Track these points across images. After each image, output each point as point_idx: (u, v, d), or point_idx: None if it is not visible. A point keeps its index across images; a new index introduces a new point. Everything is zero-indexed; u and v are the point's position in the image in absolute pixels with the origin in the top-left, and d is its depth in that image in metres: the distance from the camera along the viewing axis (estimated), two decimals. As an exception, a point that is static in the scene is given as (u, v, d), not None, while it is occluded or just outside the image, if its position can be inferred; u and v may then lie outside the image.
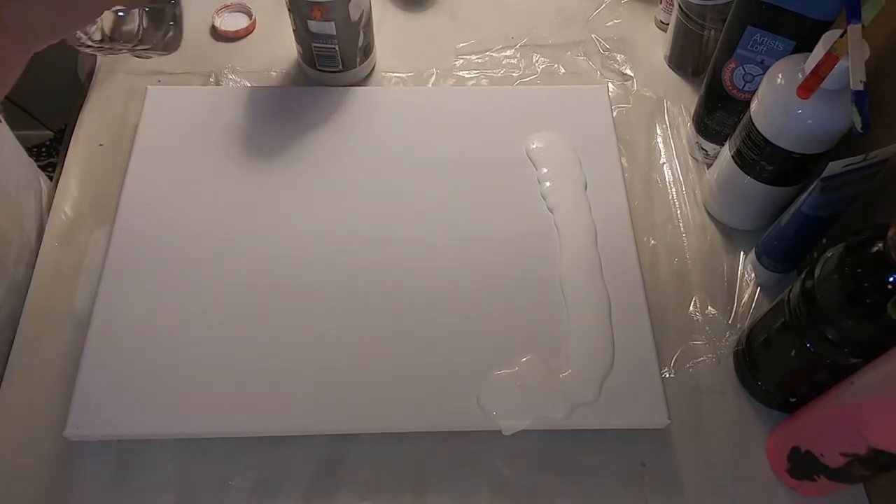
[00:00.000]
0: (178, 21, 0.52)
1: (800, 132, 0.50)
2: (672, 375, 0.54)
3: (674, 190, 0.64)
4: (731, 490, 0.50)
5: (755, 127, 0.53)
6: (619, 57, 0.72)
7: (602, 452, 0.51)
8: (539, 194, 0.60)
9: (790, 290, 0.47)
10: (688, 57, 0.69)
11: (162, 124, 0.63)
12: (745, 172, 0.56)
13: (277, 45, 0.71)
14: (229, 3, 0.73)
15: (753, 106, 0.53)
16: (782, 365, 0.50)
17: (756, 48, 0.55)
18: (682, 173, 0.65)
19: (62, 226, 0.59)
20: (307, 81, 0.68)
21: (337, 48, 0.63)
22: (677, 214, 0.62)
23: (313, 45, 0.63)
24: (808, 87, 0.48)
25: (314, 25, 0.61)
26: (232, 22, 0.72)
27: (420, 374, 0.52)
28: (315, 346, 0.52)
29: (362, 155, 0.62)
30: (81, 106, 0.67)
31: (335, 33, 0.62)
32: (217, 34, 0.72)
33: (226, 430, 0.50)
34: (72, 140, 0.64)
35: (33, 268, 0.57)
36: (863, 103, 0.44)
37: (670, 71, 0.71)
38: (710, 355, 0.55)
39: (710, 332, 0.56)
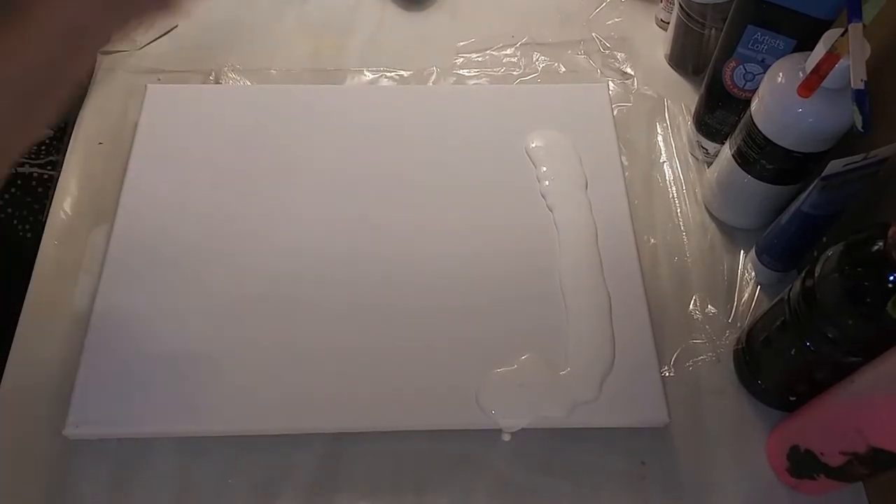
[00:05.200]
0: None
1: (800, 131, 0.50)
2: (672, 374, 0.54)
3: (674, 189, 0.64)
4: (731, 489, 0.50)
5: (755, 126, 0.53)
6: (619, 55, 0.72)
7: (602, 451, 0.51)
8: (539, 193, 0.60)
9: (790, 289, 0.47)
10: (688, 55, 0.69)
11: (162, 123, 0.63)
12: (746, 171, 0.56)
13: (278, 44, 0.71)
14: None
15: (754, 105, 0.53)
16: (782, 364, 0.50)
17: (757, 47, 0.55)
18: (683, 172, 0.64)
19: (62, 225, 0.59)
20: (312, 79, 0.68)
21: None
22: (677, 213, 0.62)
23: None
24: (809, 85, 0.48)
25: None
26: None
27: (420, 372, 0.52)
28: (314, 346, 0.52)
29: (362, 153, 0.62)
30: (81, 104, 0.66)
31: None
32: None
33: (226, 429, 0.50)
34: (71, 138, 0.64)
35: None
36: (863, 102, 0.44)
37: (671, 69, 0.71)
38: (710, 354, 0.55)
39: (710, 330, 0.56)
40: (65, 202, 0.60)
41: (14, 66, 0.37)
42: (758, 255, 0.58)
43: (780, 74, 0.51)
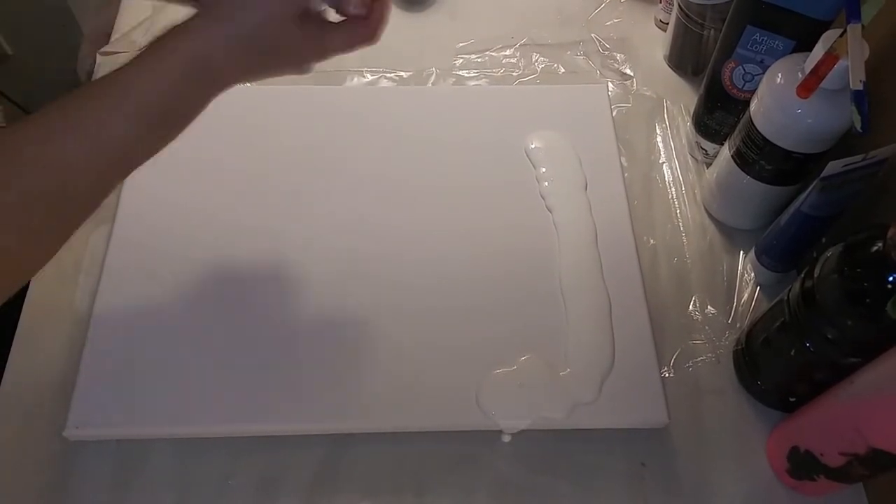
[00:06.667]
0: None
1: (799, 132, 0.50)
2: (672, 375, 0.54)
3: (673, 189, 0.64)
4: (731, 490, 0.50)
5: (755, 126, 0.53)
6: (618, 56, 0.72)
7: (602, 452, 0.51)
8: (538, 194, 0.60)
9: (790, 290, 0.47)
10: (687, 56, 0.69)
11: (161, 124, 0.63)
12: (745, 172, 0.56)
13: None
14: None
15: (753, 105, 0.53)
16: (782, 364, 0.50)
17: (756, 47, 0.55)
18: (682, 173, 0.65)
19: (62, 226, 0.59)
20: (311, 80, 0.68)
21: None
22: (677, 214, 0.62)
23: None
24: (808, 86, 0.48)
25: None
26: None
27: (420, 373, 0.52)
28: (315, 347, 0.52)
29: (361, 154, 0.62)
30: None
31: None
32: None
33: (226, 430, 0.50)
34: (71, 140, 0.64)
35: None
36: (862, 103, 0.44)
37: (670, 70, 0.71)
38: (710, 355, 0.55)
39: (709, 331, 0.56)
40: (65, 203, 0.60)
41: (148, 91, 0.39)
42: (757, 255, 0.58)
43: (779, 75, 0.51)
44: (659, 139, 0.67)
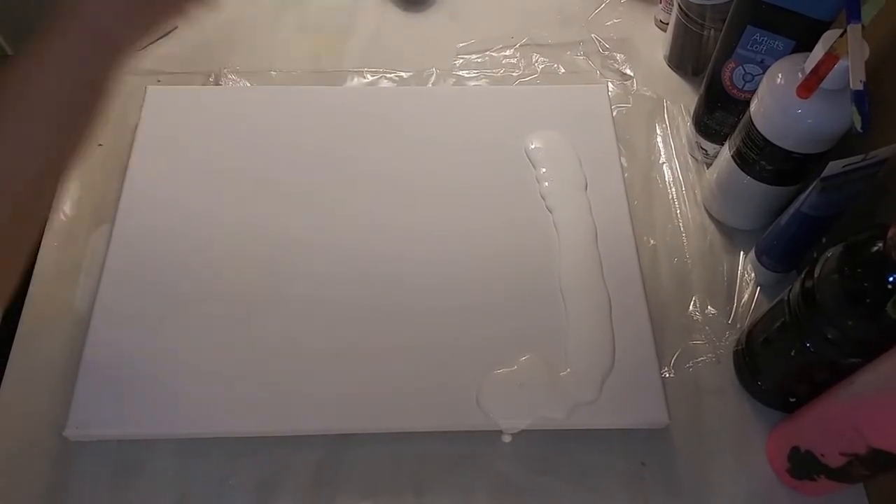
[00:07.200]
0: None
1: (799, 132, 0.50)
2: (672, 375, 0.54)
3: (673, 190, 0.64)
4: (731, 490, 0.50)
5: (755, 126, 0.53)
6: (618, 56, 0.72)
7: (602, 452, 0.51)
8: (538, 194, 0.60)
9: (790, 290, 0.47)
10: (687, 56, 0.69)
11: (161, 124, 0.63)
12: (745, 172, 0.56)
13: (277, 45, 0.71)
14: None
15: (753, 105, 0.53)
16: (782, 365, 0.50)
17: (756, 48, 0.55)
18: (682, 173, 0.65)
19: (62, 226, 0.59)
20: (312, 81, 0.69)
21: None
22: (677, 214, 0.62)
23: None
24: (808, 86, 0.48)
25: None
26: None
27: (420, 373, 0.52)
28: (314, 347, 0.53)
29: (361, 155, 0.62)
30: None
31: None
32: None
33: (226, 430, 0.50)
34: (71, 140, 0.64)
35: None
36: (863, 103, 0.44)
37: (670, 70, 0.71)
38: (710, 355, 0.55)
39: (709, 331, 0.56)
40: (65, 204, 0.60)
41: (49, 79, 0.37)
42: (757, 256, 0.58)
43: (780, 75, 0.51)
44: (659, 139, 0.67)
